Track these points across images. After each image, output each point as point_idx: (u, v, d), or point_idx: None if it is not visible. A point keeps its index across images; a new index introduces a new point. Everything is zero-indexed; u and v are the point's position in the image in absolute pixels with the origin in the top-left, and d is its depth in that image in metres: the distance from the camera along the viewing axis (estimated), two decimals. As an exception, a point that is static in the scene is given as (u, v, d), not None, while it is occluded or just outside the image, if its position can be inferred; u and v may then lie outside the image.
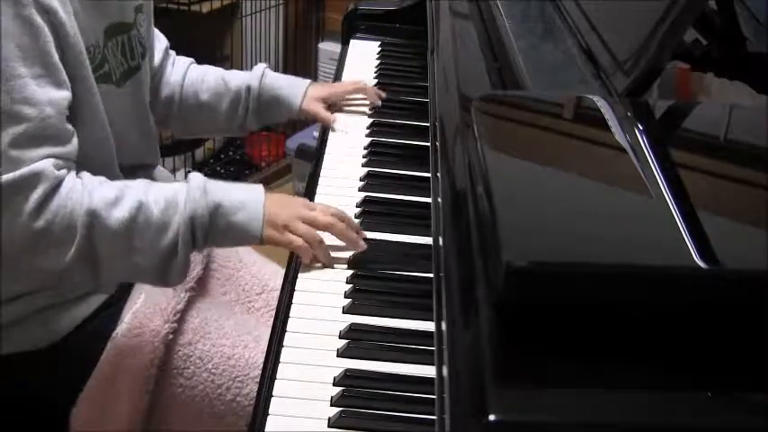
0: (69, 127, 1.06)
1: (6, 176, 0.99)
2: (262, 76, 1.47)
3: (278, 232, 1.08)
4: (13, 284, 1.14)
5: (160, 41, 1.44)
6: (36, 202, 1.01)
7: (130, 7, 1.23)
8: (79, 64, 1.07)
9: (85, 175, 1.08)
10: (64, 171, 1.04)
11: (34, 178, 1.01)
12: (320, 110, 1.48)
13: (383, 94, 1.56)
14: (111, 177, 1.13)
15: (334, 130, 1.46)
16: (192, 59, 1.50)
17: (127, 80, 1.22)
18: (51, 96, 1.03)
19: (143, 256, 1.06)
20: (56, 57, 1.03)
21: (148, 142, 1.31)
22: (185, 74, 1.46)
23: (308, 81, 1.51)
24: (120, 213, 1.04)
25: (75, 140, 1.07)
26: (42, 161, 1.02)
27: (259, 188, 1.12)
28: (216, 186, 1.09)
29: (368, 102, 1.54)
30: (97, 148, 1.13)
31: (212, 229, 1.07)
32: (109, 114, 1.15)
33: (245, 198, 1.09)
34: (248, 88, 1.46)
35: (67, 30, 1.04)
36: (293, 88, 1.48)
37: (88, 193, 1.04)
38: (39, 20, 1.00)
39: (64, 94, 1.05)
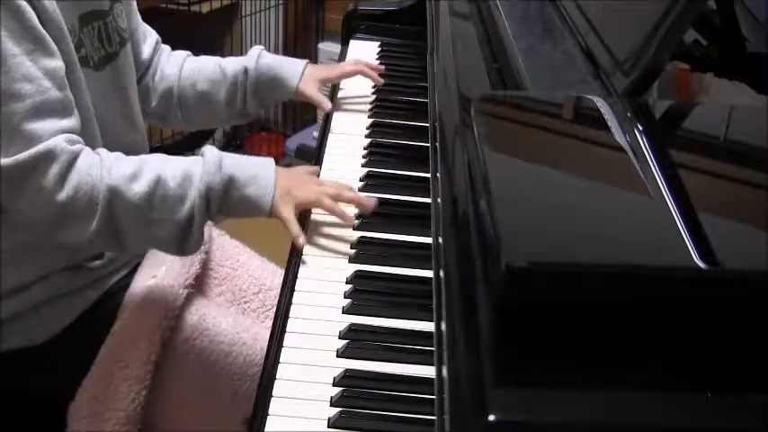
0: (70, 96, 1.09)
1: (21, 155, 1.03)
2: (258, 57, 1.45)
3: (285, 208, 1.12)
4: (10, 278, 1.15)
5: (150, 35, 1.43)
6: (56, 176, 1.04)
7: None
8: (61, 39, 1.09)
9: (102, 151, 1.11)
10: (78, 146, 1.07)
11: (49, 154, 1.04)
12: (316, 92, 1.46)
13: (382, 68, 1.56)
14: None
15: (329, 113, 1.47)
16: (188, 52, 1.49)
17: (105, 65, 1.22)
18: (47, 67, 1.06)
19: (161, 227, 1.09)
20: (42, 29, 1.06)
21: (133, 130, 1.30)
22: (182, 66, 1.45)
23: (306, 61, 1.49)
24: (139, 188, 1.07)
25: (76, 111, 1.10)
26: (54, 138, 1.05)
27: (270, 163, 1.15)
28: (230, 159, 1.13)
29: (368, 100, 1.54)
30: (83, 127, 1.13)
31: (226, 201, 1.11)
32: (90, 97, 1.16)
33: (256, 172, 1.13)
34: (245, 70, 1.44)
35: (46, 6, 1.07)
36: (291, 68, 1.46)
37: (107, 169, 1.07)
38: (20, 1, 1.03)
39: (58, 63, 1.08)
